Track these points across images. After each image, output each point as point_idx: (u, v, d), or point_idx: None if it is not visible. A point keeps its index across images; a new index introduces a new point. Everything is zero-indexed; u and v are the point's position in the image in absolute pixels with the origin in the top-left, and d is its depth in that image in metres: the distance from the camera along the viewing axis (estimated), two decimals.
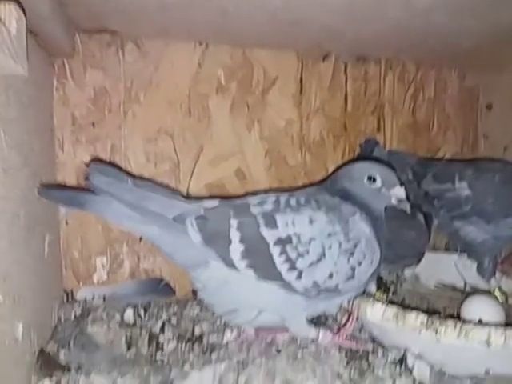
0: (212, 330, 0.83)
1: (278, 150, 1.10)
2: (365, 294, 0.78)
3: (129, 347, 0.75)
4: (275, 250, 0.68)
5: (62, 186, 0.90)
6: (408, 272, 1.07)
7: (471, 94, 1.33)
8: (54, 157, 0.93)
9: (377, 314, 0.72)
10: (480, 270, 1.00)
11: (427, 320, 0.67)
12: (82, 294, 0.94)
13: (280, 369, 0.67)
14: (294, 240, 0.69)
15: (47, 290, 0.78)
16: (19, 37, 0.54)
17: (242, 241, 0.68)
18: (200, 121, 1.03)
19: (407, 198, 0.78)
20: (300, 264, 0.69)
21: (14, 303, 0.59)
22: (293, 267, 0.68)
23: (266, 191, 0.82)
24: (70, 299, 0.92)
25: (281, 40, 1.02)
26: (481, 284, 1.01)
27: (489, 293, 0.96)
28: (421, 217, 0.99)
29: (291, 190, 0.81)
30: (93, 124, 0.96)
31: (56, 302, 0.86)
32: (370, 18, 0.86)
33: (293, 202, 0.73)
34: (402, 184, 0.79)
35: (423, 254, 0.98)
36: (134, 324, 0.83)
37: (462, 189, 0.98)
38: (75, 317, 0.84)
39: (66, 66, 0.94)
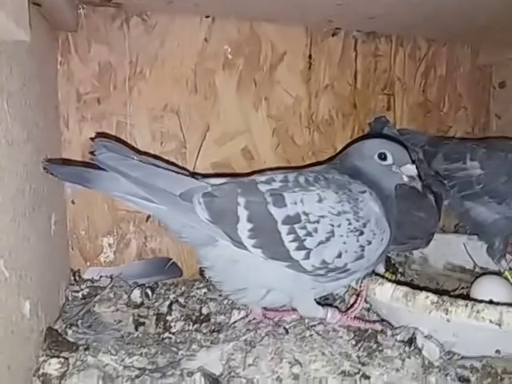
0: (219, 310, 0.83)
1: (286, 128, 1.08)
2: (373, 274, 0.77)
3: (136, 327, 0.75)
4: (283, 229, 0.67)
5: (68, 162, 0.89)
6: (417, 253, 1.06)
7: (484, 72, 1.30)
8: (59, 134, 0.92)
9: (386, 293, 0.72)
10: (490, 251, 0.98)
11: (437, 300, 0.67)
12: (89, 273, 0.94)
13: (288, 349, 0.66)
14: (303, 218, 0.68)
15: (54, 270, 0.78)
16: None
17: (249, 219, 0.67)
18: (206, 98, 1.01)
19: (419, 176, 0.77)
20: (308, 243, 0.68)
21: (21, 279, 0.59)
22: (301, 246, 0.67)
23: (274, 170, 0.80)
24: (77, 279, 0.92)
25: (289, 14, 0.99)
26: (490, 265, 1.00)
27: (499, 274, 0.95)
28: (431, 197, 0.98)
29: (299, 168, 0.79)
30: (98, 100, 0.94)
31: (63, 282, 0.86)
32: None
33: (301, 180, 0.71)
34: (413, 161, 0.77)
35: (433, 235, 0.97)
36: (142, 304, 0.83)
37: (474, 168, 0.97)
38: (83, 296, 0.84)
39: (70, 40, 0.92)
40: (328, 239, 0.68)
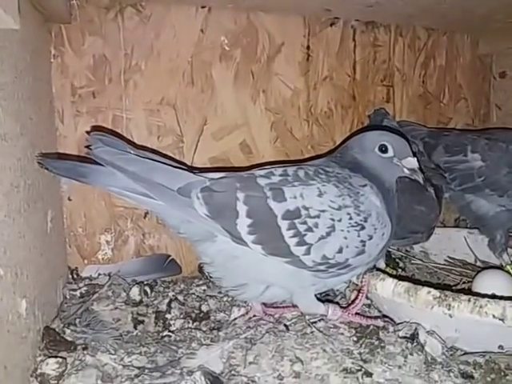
0: (219, 308, 0.82)
1: (285, 121, 1.07)
2: (374, 269, 0.76)
3: (135, 325, 0.74)
4: (283, 224, 0.66)
5: (63, 157, 0.87)
6: (417, 248, 1.05)
7: (484, 63, 1.29)
8: (54, 129, 0.90)
9: (387, 289, 0.71)
10: (492, 244, 0.98)
11: (440, 295, 0.66)
12: (87, 271, 0.93)
13: (289, 346, 0.66)
14: (303, 213, 0.67)
15: (51, 268, 0.77)
16: None
17: (249, 214, 0.66)
18: (203, 91, 0.99)
19: (420, 168, 0.76)
20: (309, 238, 0.67)
21: (17, 277, 0.58)
22: (302, 241, 0.66)
23: (273, 164, 0.79)
24: (74, 277, 0.91)
25: (287, 3, 0.97)
26: (492, 259, 1.00)
27: (500, 267, 0.94)
28: (431, 190, 0.96)
29: (299, 162, 0.78)
30: (93, 94, 0.92)
31: (61, 280, 0.85)
32: None
33: (301, 174, 0.70)
34: (414, 154, 0.76)
35: (433, 229, 0.96)
36: (140, 302, 0.82)
37: (475, 160, 0.96)
38: (81, 295, 0.83)
39: (64, 32, 0.90)
40: (329, 234, 0.67)
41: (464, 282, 0.92)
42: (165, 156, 0.90)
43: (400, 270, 0.98)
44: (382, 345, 0.66)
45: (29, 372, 0.59)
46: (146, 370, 0.61)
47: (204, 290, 0.89)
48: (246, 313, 0.77)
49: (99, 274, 0.92)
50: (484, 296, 0.66)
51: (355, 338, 0.69)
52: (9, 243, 0.56)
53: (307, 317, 0.73)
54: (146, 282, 0.89)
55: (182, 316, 0.78)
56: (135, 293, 0.82)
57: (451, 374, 0.62)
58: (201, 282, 0.92)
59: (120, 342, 0.68)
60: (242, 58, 1.01)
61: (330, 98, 1.10)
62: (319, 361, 0.63)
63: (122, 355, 0.64)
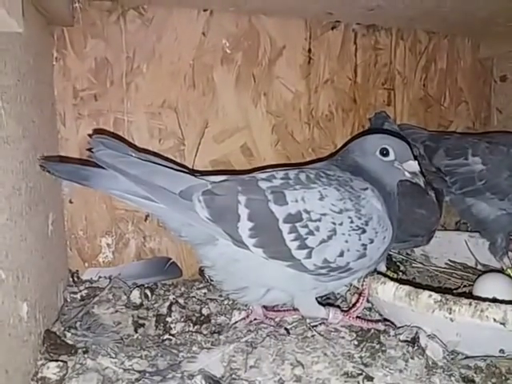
0: (220, 311, 0.82)
1: (286, 124, 1.07)
2: (375, 272, 0.76)
3: (136, 329, 0.74)
4: (285, 227, 0.66)
5: (65, 160, 0.87)
6: (418, 251, 1.05)
7: (485, 66, 1.29)
8: (56, 131, 0.90)
9: (388, 292, 0.71)
10: (492, 248, 0.98)
11: (441, 299, 0.66)
12: (87, 274, 0.93)
13: (290, 350, 0.66)
14: (304, 217, 0.67)
15: (52, 271, 0.77)
16: None
17: (250, 218, 0.66)
18: (205, 94, 0.99)
19: (421, 172, 0.76)
20: (310, 242, 0.67)
21: (18, 281, 0.58)
22: (303, 245, 0.66)
23: (274, 167, 0.79)
24: (75, 280, 0.91)
25: (289, 6, 0.97)
26: (492, 262, 1.00)
27: (501, 271, 0.94)
28: (432, 194, 0.97)
29: (300, 165, 0.78)
30: (95, 97, 0.93)
31: (61, 283, 0.85)
32: None
33: (302, 177, 0.70)
34: (415, 157, 0.76)
35: (434, 232, 0.96)
36: (141, 305, 0.82)
37: (476, 164, 0.96)
38: (81, 298, 0.83)
39: (66, 35, 0.90)
40: (330, 238, 0.67)
41: (465, 286, 0.92)
42: (166, 159, 0.91)
43: (401, 273, 0.98)
44: (383, 349, 0.66)
45: (30, 376, 0.59)
46: (147, 374, 0.61)
47: (205, 293, 0.89)
48: (247, 316, 0.77)
49: (100, 277, 0.92)
50: (485, 300, 0.66)
51: (356, 342, 0.69)
52: (10, 246, 0.56)
53: (308, 320, 0.73)
54: (146, 285, 0.89)
55: (182, 319, 0.78)
56: (136, 296, 0.82)
57: (452, 379, 0.62)
58: (201, 285, 0.92)
59: (121, 345, 0.68)
60: (243, 61, 1.01)
61: (331, 101, 1.11)
62: (320, 365, 0.63)
63: (123, 359, 0.63)
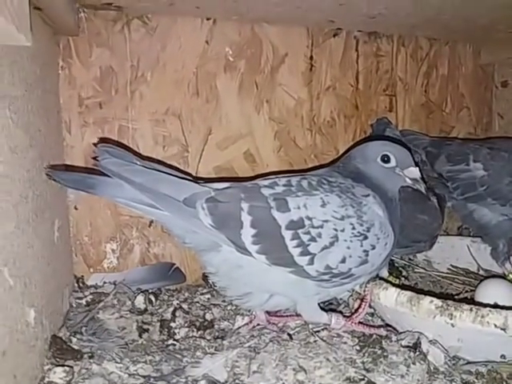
0: (223, 316, 0.83)
1: (288, 131, 1.08)
2: (377, 278, 0.77)
3: (140, 334, 0.75)
4: (287, 234, 0.67)
5: (70, 168, 0.88)
6: (420, 256, 1.06)
7: (486, 72, 1.30)
8: (61, 139, 0.92)
9: (390, 298, 0.71)
10: (494, 253, 0.98)
11: (442, 304, 0.67)
12: (92, 280, 0.94)
13: (292, 355, 0.66)
14: (307, 223, 0.67)
15: (58, 276, 0.78)
16: (21, 3, 0.51)
17: (253, 224, 0.67)
18: (208, 101, 1.01)
19: (422, 178, 0.77)
20: (312, 248, 0.67)
21: (25, 287, 0.59)
22: (305, 251, 0.67)
23: (277, 174, 0.80)
24: (80, 285, 0.92)
25: (291, 15, 0.98)
26: (495, 268, 1.00)
27: (503, 276, 0.95)
28: (434, 200, 0.97)
29: (302, 172, 0.79)
30: (100, 105, 0.94)
31: (67, 289, 0.86)
32: None
33: (304, 184, 0.71)
34: (416, 164, 0.77)
35: (436, 238, 0.96)
36: (145, 310, 0.83)
37: (477, 170, 0.97)
38: (86, 303, 0.84)
39: (72, 44, 0.91)
40: (332, 244, 0.68)
41: (467, 291, 0.92)
42: (170, 166, 0.92)
43: (403, 278, 0.98)
44: (385, 354, 0.67)
45: (37, 381, 0.60)
46: (152, 379, 0.61)
47: (208, 299, 0.90)
48: (250, 322, 0.78)
49: (105, 283, 0.93)
50: (486, 305, 0.67)
51: (358, 347, 0.69)
52: (18, 253, 0.57)
53: (310, 326, 0.74)
54: (150, 291, 0.90)
55: (186, 324, 0.78)
56: (140, 301, 0.83)
57: None
58: (205, 291, 0.93)
59: (125, 350, 0.69)
60: (246, 68, 1.03)
61: (333, 107, 1.12)
62: (322, 370, 0.64)
63: (128, 364, 0.64)
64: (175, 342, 0.73)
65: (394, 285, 0.74)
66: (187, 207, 0.66)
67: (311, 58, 1.09)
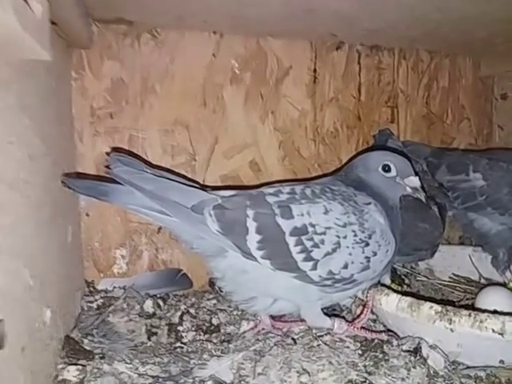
0: (229, 321, 0.84)
1: (292, 141, 1.11)
2: (379, 284, 0.79)
3: (149, 337, 0.77)
4: (291, 240, 0.69)
5: (84, 176, 0.91)
6: (422, 265, 1.07)
7: (486, 84, 1.32)
8: (74, 148, 0.94)
9: (391, 303, 0.73)
10: (494, 262, 1.00)
11: (441, 310, 0.68)
12: (102, 284, 0.96)
13: (296, 359, 0.68)
14: (310, 230, 0.70)
15: (71, 280, 0.80)
16: (43, 21, 0.53)
17: (258, 231, 0.69)
18: (215, 112, 1.04)
19: (422, 187, 0.79)
20: (315, 254, 0.69)
21: (42, 288, 0.61)
22: (308, 257, 0.69)
23: (281, 182, 0.82)
24: (91, 290, 0.94)
25: (295, 29, 1.01)
26: (496, 276, 1.01)
27: (504, 285, 0.96)
28: (435, 209, 0.99)
29: (306, 180, 0.81)
30: (111, 115, 0.97)
31: (79, 292, 0.88)
32: (383, 5, 0.85)
33: (308, 192, 0.73)
34: (416, 173, 0.79)
35: (437, 246, 0.98)
36: (154, 314, 0.85)
37: (477, 180, 0.98)
38: (97, 307, 0.86)
39: (84, 56, 0.95)
40: (334, 250, 0.70)
41: (467, 299, 0.94)
42: (178, 174, 0.94)
43: (406, 286, 1.00)
44: (386, 358, 0.69)
45: (51, 378, 0.62)
46: (160, 379, 0.63)
47: (214, 304, 0.92)
48: (255, 326, 0.80)
49: (114, 287, 0.95)
50: (485, 311, 0.69)
51: (360, 352, 0.71)
52: (36, 256, 0.59)
53: (314, 330, 0.75)
54: (158, 296, 0.92)
55: (193, 328, 0.80)
56: (149, 305, 0.85)
57: None
58: (211, 296, 0.95)
59: (135, 352, 0.71)
60: (251, 80, 1.06)
61: (336, 118, 1.14)
62: (325, 373, 0.65)
63: (137, 365, 0.66)
64: (183, 345, 0.75)
65: (395, 291, 0.76)
66: (195, 214, 0.68)
67: (315, 70, 1.12)
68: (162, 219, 0.69)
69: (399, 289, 0.95)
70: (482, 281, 1.04)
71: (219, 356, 0.70)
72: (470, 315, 0.66)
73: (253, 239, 0.68)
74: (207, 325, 0.82)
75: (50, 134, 0.72)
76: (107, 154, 0.90)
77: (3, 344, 0.45)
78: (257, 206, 0.70)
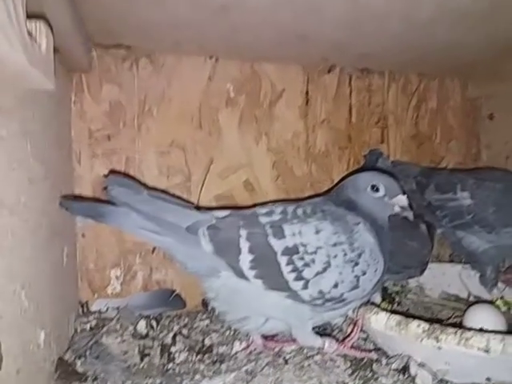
0: (222, 341, 0.85)
1: (285, 161, 1.13)
2: (369, 303, 0.80)
3: (142, 358, 0.77)
4: (283, 260, 0.71)
5: (81, 198, 0.93)
6: (413, 283, 1.09)
7: (473, 105, 1.35)
8: (72, 170, 0.96)
9: (380, 322, 0.74)
10: (483, 279, 1.01)
11: (429, 328, 0.69)
12: (96, 305, 0.96)
13: (287, 378, 0.68)
14: (301, 250, 0.71)
15: (65, 301, 0.81)
16: (48, 52, 0.56)
17: (251, 250, 0.70)
18: (210, 134, 1.06)
19: (410, 206, 0.81)
20: (306, 273, 0.71)
21: (38, 310, 0.62)
22: (299, 276, 0.71)
23: (274, 202, 0.85)
24: (85, 311, 0.94)
25: (288, 54, 1.05)
26: (484, 294, 1.02)
27: (491, 302, 0.98)
28: (423, 227, 1.01)
29: (298, 200, 0.83)
30: (108, 137, 0.99)
31: (72, 313, 0.88)
32: (373, 31, 0.89)
33: (299, 212, 0.75)
34: (404, 192, 0.81)
35: (426, 264, 0.99)
36: (147, 335, 0.85)
37: (464, 198, 1.00)
38: (90, 328, 0.86)
39: (84, 80, 0.97)
40: (325, 270, 0.71)
41: (456, 317, 0.94)
42: (173, 195, 0.97)
43: (396, 304, 1.01)
44: (376, 377, 0.69)
45: None
46: None
47: (207, 325, 0.92)
48: (247, 346, 0.80)
49: (108, 308, 0.95)
50: (471, 329, 0.70)
51: (350, 371, 0.71)
52: (33, 278, 0.61)
53: (305, 350, 0.76)
54: (152, 316, 0.92)
55: (186, 349, 0.81)
56: (142, 326, 0.85)
57: None
58: (204, 317, 0.95)
59: (127, 373, 0.71)
60: (246, 103, 1.09)
61: (327, 139, 1.17)
62: None
63: None
64: (175, 366, 0.75)
65: (384, 309, 0.77)
66: (190, 234, 0.70)
67: (307, 93, 1.15)
68: (157, 239, 0.71)
69: (389, 307, 0.96)
70: (472, 298, 1.05)
71: (211, 377, 0.70)
72: (456, 333, 0.67)
73: (245, 259, 0.70)
74: (200, 345, 0.83)
75: (49, 158, 0.74)
76: (104, 176, 0.92)
77: (0, 366, 0.46)
78: (249, 226, 0.72)
